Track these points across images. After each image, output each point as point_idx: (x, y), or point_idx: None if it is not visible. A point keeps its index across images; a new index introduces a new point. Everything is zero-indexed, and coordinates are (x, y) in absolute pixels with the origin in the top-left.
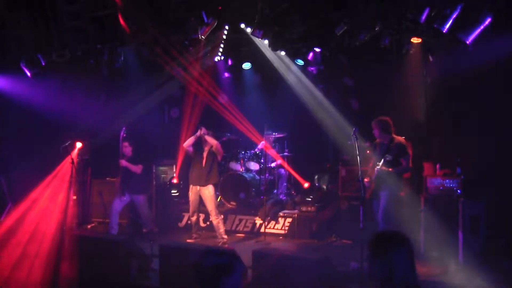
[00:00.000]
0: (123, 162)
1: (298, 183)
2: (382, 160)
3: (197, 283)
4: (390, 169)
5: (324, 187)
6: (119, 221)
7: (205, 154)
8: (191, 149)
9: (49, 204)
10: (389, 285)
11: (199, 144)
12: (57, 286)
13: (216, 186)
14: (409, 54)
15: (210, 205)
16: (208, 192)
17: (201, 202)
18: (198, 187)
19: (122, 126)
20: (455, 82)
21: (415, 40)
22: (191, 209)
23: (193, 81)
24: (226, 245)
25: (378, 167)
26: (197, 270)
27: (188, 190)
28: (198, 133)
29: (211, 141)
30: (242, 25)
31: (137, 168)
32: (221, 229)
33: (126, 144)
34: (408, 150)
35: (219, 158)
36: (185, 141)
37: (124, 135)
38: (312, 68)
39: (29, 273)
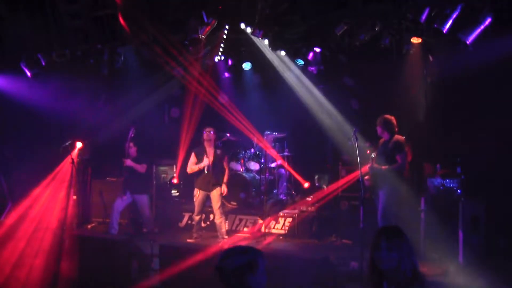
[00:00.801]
0: (128, 162)
1: (298, 183)
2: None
3: (223, 285)
4: (383, 167)
5: (325, 186)
6: (119, 221)
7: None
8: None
9: (49, 204)
10: (397, 274)
11: (202, 150)
12: (57, 286)
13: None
14: (409, 54)
15: (216, 204)
16: (217, 192)
17: (205, 202)
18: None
19: (130, 127)
20: (455, 82)
21: (415, 40)
22: (196, 209)
23: (193, 81)
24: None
25: (369, 164)
26: (221, 272)
27: (190, 189)
28: (202, 167)
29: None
30: (242, 25)
31: (141, 168)
32: (223, 228)
33: (131, 144)
34: (405, 148)
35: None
36: (185, 141)
37: (132, 135)
38: (312, 68)
39: (29, 272)
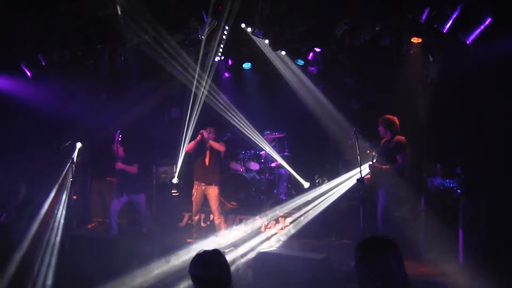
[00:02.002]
0: (119, 165)
1: (298, 183)
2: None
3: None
4: (384, 166)
5: (325, 186)
6: (119, 221)
7: (207, 152)
8: (192, 150)
9: (49, 204)
10: (390, 284)
11: (201, 143)
12: (57, 286)
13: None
14: (409, 54)
15: (214, 204)
16: (213, 191)
17: (203, 202)
18: (203, 186)
19: (117, 129)
20: (455, 82)
21: (415, 40)
22: (194, 209)
23: (193, 81)
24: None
25: (370, 162)
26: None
27: (190, 189)
28: (199, 138)
29: (218, 146)
30: (242, 25)
31: (132, 168)
32: (223, 229)
33: (117, 145)
34: (405, 149)
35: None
36: (185, 141)
37: (119, 138)
38: (312, 68)
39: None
